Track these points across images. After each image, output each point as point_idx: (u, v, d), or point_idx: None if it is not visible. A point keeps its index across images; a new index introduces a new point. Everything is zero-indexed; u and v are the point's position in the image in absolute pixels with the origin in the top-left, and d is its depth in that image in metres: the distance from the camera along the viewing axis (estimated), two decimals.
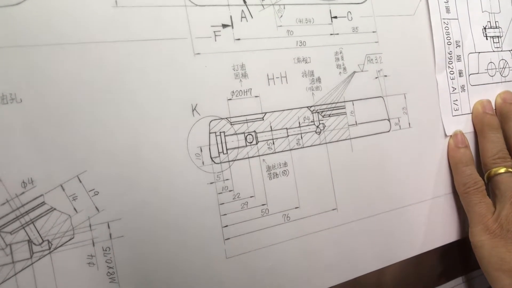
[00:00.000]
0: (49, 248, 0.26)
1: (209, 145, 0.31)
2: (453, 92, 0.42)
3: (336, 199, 0.35)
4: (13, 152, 0.25)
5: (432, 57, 0.41)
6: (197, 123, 0.31)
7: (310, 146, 0.35)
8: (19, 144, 0.26)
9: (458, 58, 0.42)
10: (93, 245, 0.27)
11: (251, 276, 0.32)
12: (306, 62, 0.35)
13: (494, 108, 0.43)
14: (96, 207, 0.27)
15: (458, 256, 0.43)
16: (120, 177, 0.28)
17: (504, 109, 0.43)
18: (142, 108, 0.29)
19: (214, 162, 0.31)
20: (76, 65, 0.27)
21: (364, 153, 0.37)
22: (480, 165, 0.42)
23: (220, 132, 0.31)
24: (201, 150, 0.31)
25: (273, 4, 0.33)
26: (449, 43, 0.41)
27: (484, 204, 0.39)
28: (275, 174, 0.33)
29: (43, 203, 0.26)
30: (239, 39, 0.32)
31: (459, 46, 0.42)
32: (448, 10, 0.41)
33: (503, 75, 0.45)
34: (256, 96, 0.33)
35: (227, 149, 0.32)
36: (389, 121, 0.38)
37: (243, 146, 0.32)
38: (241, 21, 0.32)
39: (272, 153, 0.33)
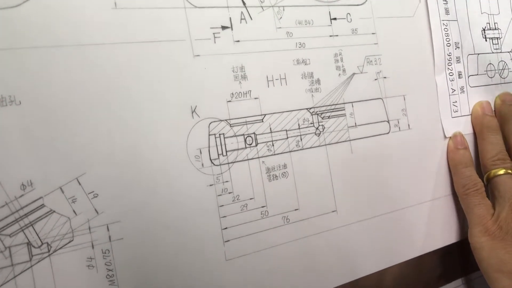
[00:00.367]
0: (49, 251, 0.26)
1: (209, 147, 0.31)
2: (453, 93, 0.42)
3: (335, 201, 0.35)
4: (12, 154, 0.25)
5: (431, 58, 0.41)
6: (196, 125, 0.31)
7: (310, 147, 0.35)
8: (18, 146, 0.26)
9: (458, 60, 0.42)
10: (93, 247, 0.27)
11: (250, 278, 0.32)
12: (305, 64, 0.35)
13: (493, 109, 0.43)
14: (96, 210, 0.27)
15: (458, 257, 0.43)
16: (119, 179, 0.28)
17: (503, 111, 0.43)
18: (141, 110, 0.29)
19: (214, 164, 0.31)
20: (75, 67, 0.27)
21: (363, 155, 0.37)
22: (480, 167, 0.42)
23: (219, 134, 0.31)
24: (201, 152, 0.31)
25: (272, 6, 0.33)
26: (448, 44, 0.41)
27: (483, 206, 0.39)
28: (274, 176, 0.33)
29: (42, 206, 0.26)
30: (238, 41, 0.32)
31: (458, 47, 0.42)
32: (447, 12, 0.41)
33: (503, 77, 0.45)
34: (255, 98, 0.33)
35: (226, 151, 0.32)
36: (388, 122, 0.38)
37: (242, 148, 0.32)
38: (241, 22, 0.32)
39: (272, 155, 0.33)
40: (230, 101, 0.32)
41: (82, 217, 0.27)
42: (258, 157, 0.33)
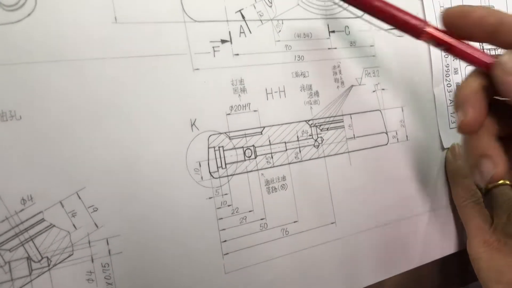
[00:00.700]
0: (48, 265, 0.26)
1: (208, 160, 0.31)
2: (451, 105, 0.42)
3: (334, 213, 0.35)
4: (13, 169, 0.25)
5: (429, 70, 0.41)
6: (196, 138, 0.31)
7: (309, 159, 0.35)
8: (19, 161, 0.26)
9: (455, 71, 0.42)
10: (92, 261, 0.27)
11: None
12: (304, 76, 0.35)
13: None
14: (95, 224, 0.27)
15: (457, 268, 0.43)
16: (119, 193, 0.28)
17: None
18: (141, 123, 0.29)
19: (213, 177, 0.31)
20: (75, 81, 0.27)
21: (362, 166, 0.37)
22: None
23: (219, 147, 0.31)
24: (200, 165, 0.31)
25: (271, 20, 0.34)
26: (446, 56, 0.42)
27: (481, 217, 0.39)
28: (273, 188, 0.33)
29: (42, 220, 0.26)
30: (237, 54, 0.32)
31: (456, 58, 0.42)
32: None
33: None
34: (254, 111, 0.33)
35: (225, 164, 0.32)
36: (386, 134, 0.38)
37: (241, 161, 0.32)
38: (240, 36, 0.32)
39: (271, 167, 0.33)
40: (229, 114, 0.32)
41: (82, 231, 0.27)
42: (257, 170, 0.33)
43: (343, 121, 0.36)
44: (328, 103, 0.36)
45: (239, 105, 0.32)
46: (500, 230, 0.37)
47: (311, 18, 0.35)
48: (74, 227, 0.27)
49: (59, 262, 0.26)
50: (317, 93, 0.35)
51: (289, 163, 0.34)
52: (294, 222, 0.34)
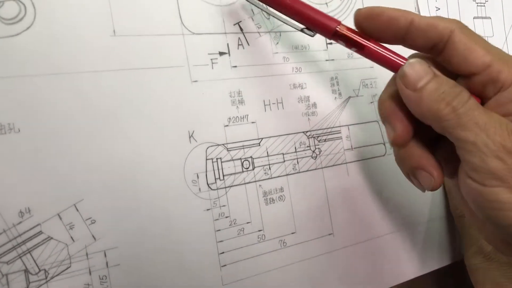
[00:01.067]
0: (46, 278, 0.26)
1: (206, 171, 0.31)
2: None
3: (332, 224, 0.35)
4: (11, 181, 0.26)
5: None
6: (193, 150, 0.31)
7: (306, 171, 0.35)
8: (17, 173, 0.26)
9: None
10: (90, 273, 0.27)
11: None
12: (302, 88, 0.35)
13: None
14: (93, 236, 0.27)
15: (454, 279, 0.43)
16: (116, 205, 0.28)
17: None
18: (139, 135, 0.29)
19: (211, 189, 0.31)
20: (74, 94, 0.27)
21: (360, 177, 0.37)
22: None
23: (217, 158, 0.32)
24: (198, 177, 0.31)
25: (269, 32, 0.34)
26: None
27: None
28: (271, 200, 0.33)
29: (40, 233, 0.26)
30: (235, 66, 0.32)
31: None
32: None
33: None
34: (252, 122, 0.33)
35: (223, 175, 0.32)
36: (384, 145, 0.38)
37: (239, 172, 0.32)
38: (238, 48, 0.33)
39: (269, 178, 0.33)
40: (227, 125, 0.32)
41: (79, 243, 0.27)
42: (255, 181, 0.33)
43: (340, 132, 0.36)
44: (325, 115, 0.36)
45: (237, 116, 0.32)
46: None
47: None
48: (72, 239, 0.27)
49: (57, 275, 0.26)
50: (314, 105, 0.35)
51: (287, 175, 0.34)
52: (292, 233, 0.34)
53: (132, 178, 0.29)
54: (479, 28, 0.45)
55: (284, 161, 0.34)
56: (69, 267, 0.27)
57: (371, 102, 0.38)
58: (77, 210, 0.27)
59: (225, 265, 0.31)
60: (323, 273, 0.35)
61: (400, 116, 0.27)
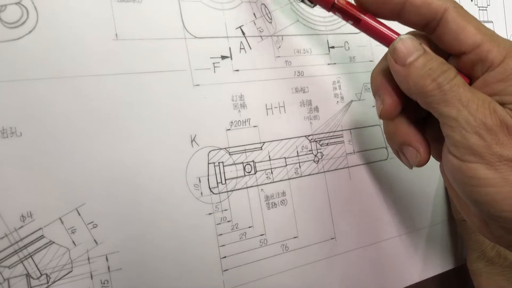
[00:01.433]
0: (47, 282, 0.26)
1: (208, 175, 0.31)
2: None
3: (334, 228, 0.35)
4: (13, 185, 0.25)
5: None
6: (196, 154, 0.31)
7: (308, 175, 0.35)
8: (19, 177, 0.26)
9: None
10: (91, 278, 0.27)
11: None
12: (304, 92, 0.35)
13: None
14: (95, 240, 0.27)
15: (456, 283, 0.43)
16: (118, 209, 0.28)
17: None
18: (141, 139, 0.29)
19: (213, 193, 0.31)
20: (76, 98, 0.27)
21: (362, 182, 0.37)
22: None
23: (219, 162, 0.31)
24: (200, 181, 0.31)
25: (271, 36, 0.34)
26: None
27: None
28: (273, 204, 0.33)
29: (42, 237, 0.26)
30: (238, 70, 0.32)
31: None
32: None
33: None
34: (254, 126, 0.33)
35: (225, 179, 0.32)
36: (386, 149, 0.38)
37: (241, 176, 0.32)
38: (240, 52, 0.33)
39: (271, 182, 0.33)
40: (229, 129, 0.32)
41: (81, 247, 0.27)
42: (257, 185, 0.33)
43: (343, 136, 0.36)
44: (328, 118, 0.36)
45: (239, 120, 0.32)
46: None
47: (310, 34, 0.36)
48: (74, 243, 0.27)
49: (58, 279, 0.26)
50: (317, 108, 0.35)
51: (289, 179, 0.34)
52: (294, 237, 0.34)
53: (134, 182, 0.29)
54: None
55: (286, 165, 0.34)
56: (71, 271, 0.27)
57: (373, 106, 0.38)
58: (79, 214, 0.27)
59: (227, 270, 0.31)
60: (325, 278, 0.35)
61: (389, 90, 0.28)
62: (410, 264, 0.39)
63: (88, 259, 0.27)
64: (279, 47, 0.34)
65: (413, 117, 0.29)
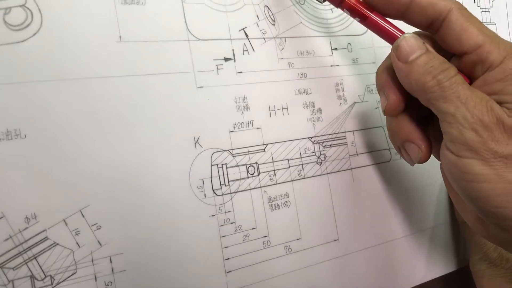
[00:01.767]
0: (52, 284, 0.26)
1: (211, 177, 0.31)
2: None
3: (337, 230, 0.35)
4: (17, 187, 0.26)
5: None
6: (199, 156, 0.31)
7: (312, 176, 0.35)
8: (23, 179, 0.26)
9: None
10: (95, 279, 0.27)
11: None
12: (307, 94, 0.35)
13: None
14: (99, 242, 0.27)
15: (459, 285, 0.43)
16: (122, 211, 0.28)
17: None
18: (145, 141, 0.29)
19: (216, 194, 0.31)
20: (80, 100, 0.27)
21: (365, 183, 0.37)
22: None
23: (222, 164, 0.32)
24: (203, 183, 0.31)
25: (274, 38, 0.34)
26: None
27: None
28: (276, 206, 0.33)
29: (46, 238, 0.26)
30: (241, 72, 0.32)
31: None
32: None
33: None
34: (257, 128, 0.33)
35: (229, 181, 0.32)
36: (389, 151, 0.38)
37: (244, 178, 0.32)
38: (243, 54, 0.33)
39: (274, 184, 0.33)
40: (232, 131, 0.32)
41: (85, 249, 0.27)
42: (260, 187, 0.33)
43: (346, 138, 0.36)
44: (331, 120, 0.36)
45: (242, 122, 0.32)
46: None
47: (313, 35, 0.36)
48: (78, 245, 0.27)
49: (63, 281, 0.26)
50: (320, 110, 0.35)
51: (292, 180, 0.34)
52: (297, 239, 0.34)
53: (138, 184, 0.29)
54: None
55: (289, 166, 0.34)
56: (75, 273, 0.27)
57: (376, 108, 0.38)
58: (83, 216, 0.27)
59: (230, 271, 0.31)
60: (328, 279, 0.35)
61: (393, 87, 0.29)
62: (412, 266, 0.39)
63: (92, 260, 0.27)
64: (282, 49, 0.34)
65: (415, 115, 0.29)
